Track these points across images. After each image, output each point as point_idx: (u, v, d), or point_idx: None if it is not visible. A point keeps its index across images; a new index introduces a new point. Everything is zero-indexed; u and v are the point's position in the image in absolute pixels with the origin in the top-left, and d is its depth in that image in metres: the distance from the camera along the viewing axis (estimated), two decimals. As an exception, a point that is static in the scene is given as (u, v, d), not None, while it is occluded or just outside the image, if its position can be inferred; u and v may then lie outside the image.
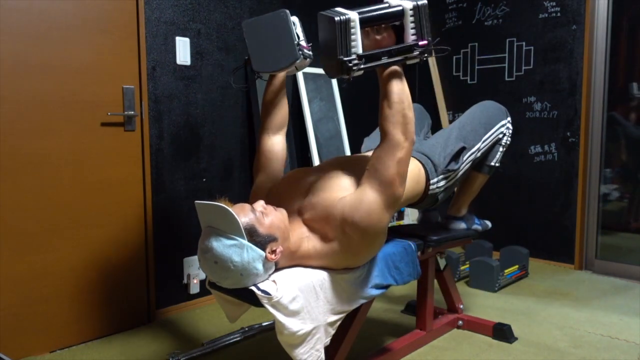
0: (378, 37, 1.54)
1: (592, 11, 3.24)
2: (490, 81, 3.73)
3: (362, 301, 1.71)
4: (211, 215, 1.45)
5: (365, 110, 3.68)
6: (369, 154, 1.99)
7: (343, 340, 1.76)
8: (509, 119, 2.15)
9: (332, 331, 1.64)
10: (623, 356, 2.15)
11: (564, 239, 3.42)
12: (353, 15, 1.43)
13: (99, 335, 2.40)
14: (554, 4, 3.37)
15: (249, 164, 2.96)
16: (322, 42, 1.55)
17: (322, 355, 1.58)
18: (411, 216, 3.89)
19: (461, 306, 2.46)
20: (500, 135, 2.12)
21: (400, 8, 1.50)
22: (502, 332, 2.31)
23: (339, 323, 1.66)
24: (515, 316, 2.57)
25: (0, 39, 2.05)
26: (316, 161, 3.16)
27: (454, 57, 3.91)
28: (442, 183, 1.96)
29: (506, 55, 3.63)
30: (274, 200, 1.70)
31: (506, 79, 3.64)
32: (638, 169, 3.24)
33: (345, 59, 1.44)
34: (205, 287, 1.69)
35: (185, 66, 2.66)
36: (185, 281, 2.71)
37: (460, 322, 2.43)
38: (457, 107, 3.92)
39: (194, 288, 2.73)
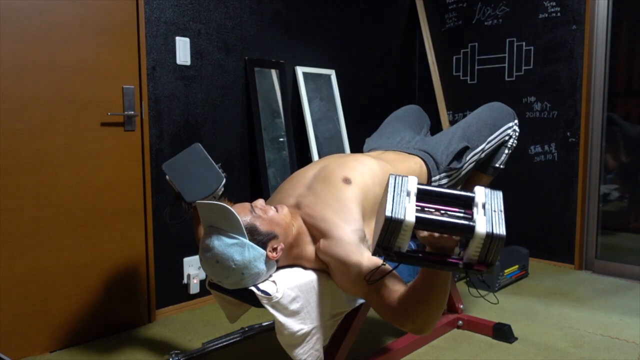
0: (434, 240, 1.23)
1: (592, 11, 3.24)
2: (490, 81, 3.73)
3: (362, 301, 1.71)
4: (212, 214, 1.45)
5: (365, 110, 3.69)
6: (372, 154, 1.98)
7: (343, 340, 1.76)
8: (516, 121, 2.14)
9: (332, 331, 1.64)
10: (623, 356, 2.15)
11: (564, 239, 3.42)
12: (409, 218, 1.17)
13: (99, 335, 2.40)
14: (554, 4, 3.37)
15: (249, 164, 2.96)
16: (380, 205, 1.34)
17: (322, 355, 1.58)
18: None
19: (461, 306, 2.46)
20: (507, 138, 2.11)
21: (471, 226, 1.17)
22: (502, 332, 2.31)
23: (338, 323, 1.66)
24: (515, 316, 2.57)
25: (0, 39, 2.05)
26: (316, 159, 3.16)
27: (454, 57, 3.91)
28: (444, 181, 1.96)
29: (506, 55, 3.63)
30: (277, 197, 1.71)
31: (506, 79, 3.64)
32: (638, 169, 3.24)
33: (384, 250, 1.22)
34: (205, 287, 1.69)
35: (185, 66, 2.66)
36: (185, 281, 2.71)
37: (460, 322, 2.43)
38: (457, 107, 3.92)
39: (194, 288, 2.73)
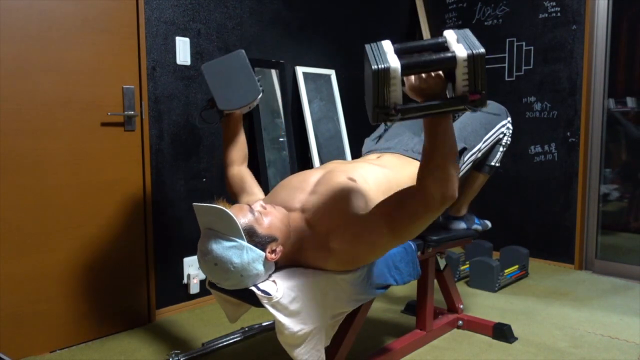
0: (423, 85, 1.29)
1: (592, 11, 3.24)
2: (490, 81, 3.72)
3: (362, 301, 1.70)
4: (210, 217, 1.45)
5: (365, 110, 3.68)
6: (370, 156, 1.99)
7: (343, 340, 1.76)
8: (509, 119, 2.17)
9: (333, 331, 1.64)
10: (623, 356, 2.15)
11: (564, 239, 3.42)
12: (394, 64, 1.22)
13: (99, 335, 2.40)
14: (554, 4, 3.38)
15: (249, 164, 2.94)
16: (365, 80, 1.38)
17: (323, 355, 1.58)
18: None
19: (461, 306, 2.46)
20: (501, 136, 2.13)
21: (452, 55, 1.23)
22: (502, 332, 2.31)
23: (339, 323, 1.66)
24: (515, 316, 2.57)
25: (0, 39, 2.05)
26: (316, 161, 3.16)
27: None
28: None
29: (506, 55, 3.63)
30: (278, 197, 1.70)
31: (506, 79, 3.64)
32: (638, 169, 3.24)
33: (382, 109, 1.26)
34: (205, 287, 1.69)
35: (185, 66, 2.66)
36: (185, 281, 2.71)
37: (460, 322, 2.43)
38: (457, 107, 3.92)
39: (194, 288, 2.73)
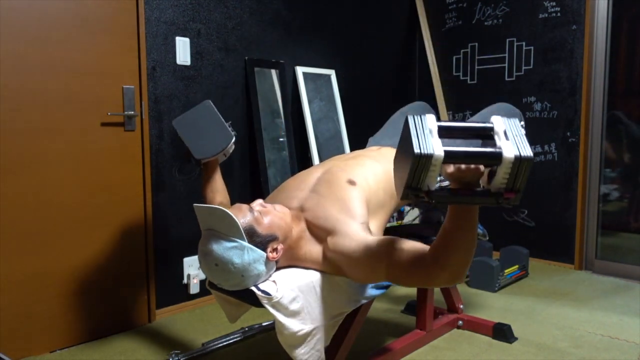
0: (461, 175, 1.20)
1: (592, 11, 3.24)
2: (490, 81, 3.73)
3: (363, 301, 1.70)
4: (210, 217, 1.45)
5: (365, 110, 3.68)
6: (373, 154, 1.98)
7: (343, 340, 1.76)
8: (522, 123, 2.12)
9: (333, 331, 1.64)
10: (623, 356, 2.15)
11: (564, 239, 3.42)
12: (438, 151, 1.13)
13: (99, 335, 2.40)
14: (554, 4, 3.37)
15: (249, 164, 2.96)
16: (400, 149, 1.29)
17: (323, 356, 1.58)
18: (410, 216, 3.89)
19: (461, 306, 2.46)
20: None
21: (499, 152, 1.15)
22: (502, 332, 2.31)
23: (339, 323, 1.66)
24: (515, 316, 2.57)
25: (0, 39, 2.05)
26: (316, 161, 3.16)
27: (454, 57, 3.91)
28: (445, 183, 1.95)
29: (506, 55, 3.63)
30: (278, 198, 1.70)
31: (506, 79, 3.64)
32: (638, 169, 3.24)
33: (413, 191, 1.19)
34: (205, 287, 1.69)
35: (185, 66, 2.66)
36: (185, 281, 2.71)
37: (460, 322, 2.43)
38: (457, 107, 3.92)
39: (194, 288, 2.73)
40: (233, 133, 1.85)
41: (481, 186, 1.23)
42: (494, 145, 1.18)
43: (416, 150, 1.13)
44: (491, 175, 1.20)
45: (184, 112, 1.91)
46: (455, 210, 1.27)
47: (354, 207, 1.56)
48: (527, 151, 1.15)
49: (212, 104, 1.88)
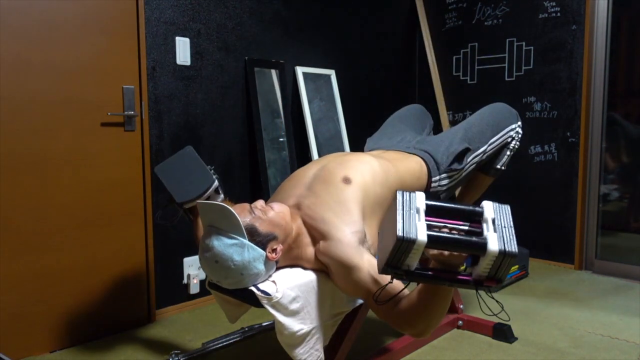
0: (443, 259, 1.21)
1: (592, 11, 3.24)
2: (490, 81, 3.73)
3: (362, 301, 1.70)
4: (213, 214, 1.45)
5: (365, 110, 3.69)
6: (373, 153, 1.98)
7: (343, 340, 1.76)
8: (519, 123, 2.11)
9: (332, 331, 1.64)
10: (623, 356, 2.15)
11: (564, 239, 3.42)
12: (421, 237, 1.13)
13: (99, 335, 2.40)
14: (554, 4, 3.37)
15: (249, 164, 2.96)
16: (384, 223, 1.32)
17: (322, 356, 1.58)
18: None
19: (461, 306, 2.46)
20: (509, 139, 2.09)
21: (483, 244, 1.14)
22: (502, 332, 2.30)
23: (338, 323, 1.66)
24: (515, 316, 2.57)
25: (0, 39, 2.05)
26: (316, 158, 3.15)
27: (454, 57, 3.91)
28: (445, 182, 1.95)
29: (506, 55, 3.63)
30: (277, 198, 1.70)
31: (506, 79, 3.64)
32: (638, 169, 3.24)
33: (392, 269, 1.19)
34: (205, 287, 1.69)
35: (185, 66, 2.66)
36: (185, 281, 2.71)
37: (460, 322, 2.43)
38: (457, 107, 3.92)
39: (194, 288, 2.73)
40: (215, 177, 1.88)
41: (463, 267, 1.24)
42: (480, 233, 1.18)
43: (399, 233, 1.12)
44: (474, 260, 1.20)
45: (165, 159, 1.95)
46: (432, 287, 1.29)
47: (349, 212, 1.57)
48: (512, 246, 1.14)
49: (193, 149, 1.92)
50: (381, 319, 1.44)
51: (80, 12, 2.26)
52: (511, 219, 1.19)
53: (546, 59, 3.44)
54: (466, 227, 1.21)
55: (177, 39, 2.61)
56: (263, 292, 1.44)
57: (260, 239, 1.46)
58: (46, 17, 2.17)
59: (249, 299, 1.49)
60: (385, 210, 1.33)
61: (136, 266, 2.51)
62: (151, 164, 2.53)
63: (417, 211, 1.18)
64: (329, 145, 3.29)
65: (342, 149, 3.37)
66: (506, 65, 3.64)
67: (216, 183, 1.87)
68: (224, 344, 2.26)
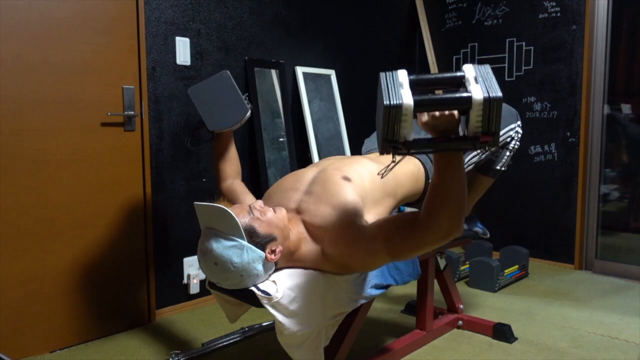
0: (435, 122, 1.24)
1: (592, 11, 3.24)
2: (490, 81, 3.72)
3: (362, 301, 1.70)
4: (210, 216, 1.45)
5: (365, 110, 3.69)
6: (371, 156, 1.98)
7: (343, 340, 1.76)
8: (519, 122, 2.09)
9: (332, 331, 1.64)
10: (623, 356, 2.15)
11: (564, 239, 3.42)
12: (407, 100, 1.17)
13: (99, 335, 2.40)
14: (554, 4, 3.38)
15: (249, 164, 2.96)
16: (377, 108, 1.33)
17: (322, 356, 1.58)
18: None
19: (461, 306, 2.46)
20: (508, 139, 2.07)
21: (468, 96, 1.19)
22: (502, 332, 2.31)
23: (339, 323, 1.66)
24: (515, 316, 2.57)
25: (0, 39, 2.05)
26: (316, 161, 3.15)
27: (454, 57, 3.91)
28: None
29: (506, 55, 3.63)
30: (274, 198, 1.70)
31: (506, 79, 3.64)
32: (638, 169, 3.24)
33: (390, 143, 1.22)
34: (205, 287, 1.69)
35: (185, 66, 2.66)
36: (185, 281, 2.71)
37: (460, 322, 2.43)
38: (457, 107, 3.92)
39: (194, 288, 2.73)
40: (249, 106, 1.81)
41: (460, 133, 1.28)
42: (465, 91, 1.22)
43: (385, 102, 1.17)
44: (467, 121, 1.24)
45: (201, 81, 1.86)
46: (440, 164, 1.32)
47: (349, 200, 1.57)
48: (495, 91, 1.18)
49: (229, 75, 1.83)
50: (411, 249, 1.43)
51: (80, 12, 2.26)
52: (492, 73, 1.25)
53: (546, 59, 3.45)
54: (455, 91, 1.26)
55: (177, 39, 2.61)
56: (263, 292, 1.44)
57: (259, 240, 1.45)
58: (46, 17, 2.17)
59: (249, 298, 1.49)
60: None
61: (136, 266, 2.51)
62: (151, 164, 2.53)
63: (401, 85, 1.22)
64: (329, 146, 3.30)
65: (342, 149, 3.37)
66: (506, 65, 3.64)
67: (249, 113, 1.82)
68: (224, 344, 2.26)
